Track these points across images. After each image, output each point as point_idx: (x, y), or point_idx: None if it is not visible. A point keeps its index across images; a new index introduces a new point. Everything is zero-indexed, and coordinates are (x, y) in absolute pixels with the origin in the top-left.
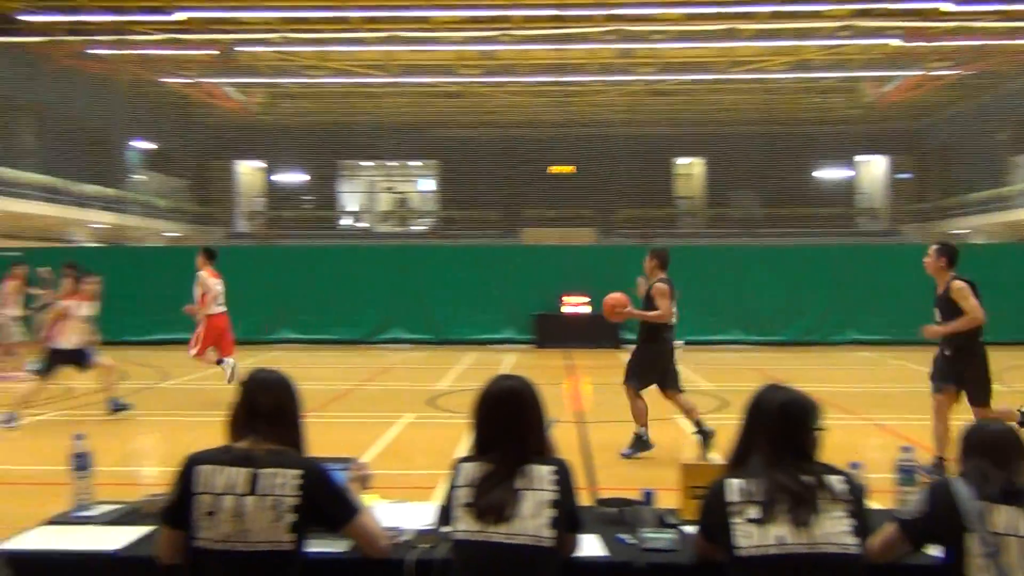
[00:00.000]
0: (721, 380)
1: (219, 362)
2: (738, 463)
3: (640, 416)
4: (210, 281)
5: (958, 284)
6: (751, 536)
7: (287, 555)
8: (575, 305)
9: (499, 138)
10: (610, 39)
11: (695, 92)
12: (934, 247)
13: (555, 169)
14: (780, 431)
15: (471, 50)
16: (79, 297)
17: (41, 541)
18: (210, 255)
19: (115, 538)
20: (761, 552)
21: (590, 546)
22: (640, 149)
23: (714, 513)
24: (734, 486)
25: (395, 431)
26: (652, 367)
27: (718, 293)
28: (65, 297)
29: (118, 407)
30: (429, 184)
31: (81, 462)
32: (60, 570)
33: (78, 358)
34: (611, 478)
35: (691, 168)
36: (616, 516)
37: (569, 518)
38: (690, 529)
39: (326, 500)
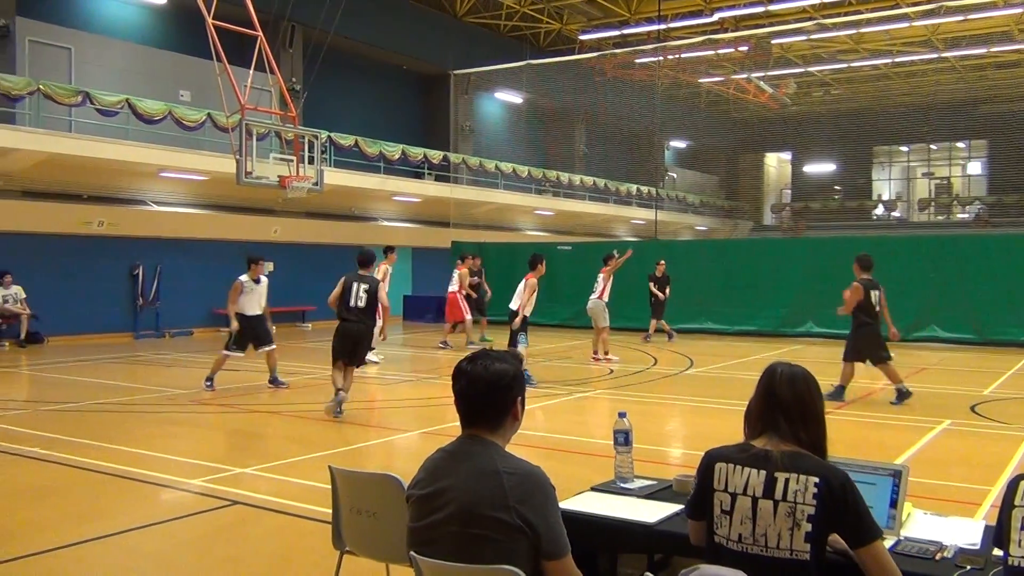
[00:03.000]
0: None
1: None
2: None
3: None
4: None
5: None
6: (1022, 545)
7: (805, 565)
8: None
9: None
10: None
11: None
12: None
13: None
14: None
15: None
16: None
17: (588, 504)
18: (388, 250)
19: (651, 511)
20: None
21: None
22: None
23: (1001, 513)
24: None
25: (930, 437)
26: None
27: None
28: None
29: None
30: (975, 167)
31: (624, 438)
32: (603, 531)
33: None
34: None
35: None
36: None
37: None
38: None
39: (845, 513)
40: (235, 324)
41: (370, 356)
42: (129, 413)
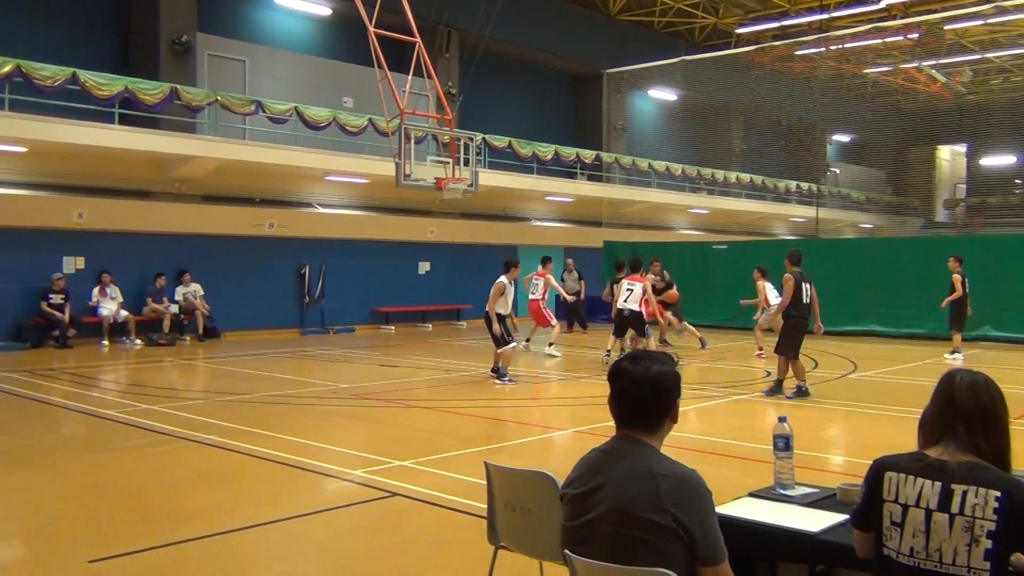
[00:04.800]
0: None
1: (527, 340)
2: None
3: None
4: (532, 276)
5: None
6: None
7: None
8: None
9: None
10: None
11: None
12: None
13: None
14: None
15: None
16: None
17: (746, 510)
18: (545, 260)
19: (814, 519)
20: None
21: None
22: None
23: None
24: None
25: None
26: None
27: None
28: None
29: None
30: None
31: (784, 443)
32: (762, 539)
33: None
34: None
35: None
36: None
37: None
38: None
39: None
40: (496, 324)
41: (552, 351)
42: (297, 405)
